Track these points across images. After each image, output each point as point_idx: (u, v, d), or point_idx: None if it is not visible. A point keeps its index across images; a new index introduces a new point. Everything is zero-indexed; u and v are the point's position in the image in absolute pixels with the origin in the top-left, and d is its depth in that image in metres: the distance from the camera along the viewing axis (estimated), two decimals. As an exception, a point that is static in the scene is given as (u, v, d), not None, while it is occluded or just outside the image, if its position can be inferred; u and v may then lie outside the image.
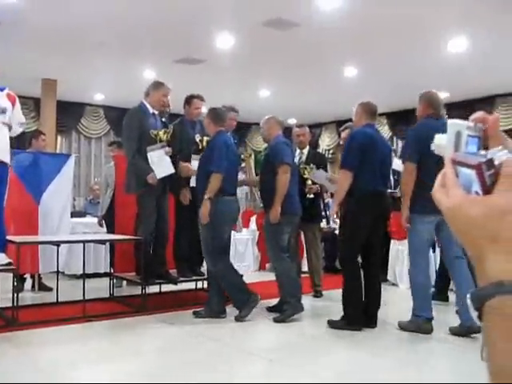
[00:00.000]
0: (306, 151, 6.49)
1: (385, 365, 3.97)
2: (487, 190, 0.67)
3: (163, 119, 5.77)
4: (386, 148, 5.19)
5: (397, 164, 6.31)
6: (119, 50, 8.63)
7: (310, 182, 6.20)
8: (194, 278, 6.02)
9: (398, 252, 7.44)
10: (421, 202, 4.62)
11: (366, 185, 4.85)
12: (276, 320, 5.15)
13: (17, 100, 5.08)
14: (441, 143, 0.75)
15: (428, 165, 4.50)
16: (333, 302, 5.99)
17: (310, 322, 5.33)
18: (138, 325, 5.02)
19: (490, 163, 0.67)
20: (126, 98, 9.57)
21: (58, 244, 5.45)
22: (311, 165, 6.21)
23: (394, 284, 7.38)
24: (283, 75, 10.13)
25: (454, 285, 5.01)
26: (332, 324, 5.01)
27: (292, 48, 8.38)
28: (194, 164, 5.60)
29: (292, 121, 13.68)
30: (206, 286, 6.36)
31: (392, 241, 7.55)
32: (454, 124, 0.74)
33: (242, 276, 5.44)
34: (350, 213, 4.94)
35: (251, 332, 4.93)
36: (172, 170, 5.53)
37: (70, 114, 12.89)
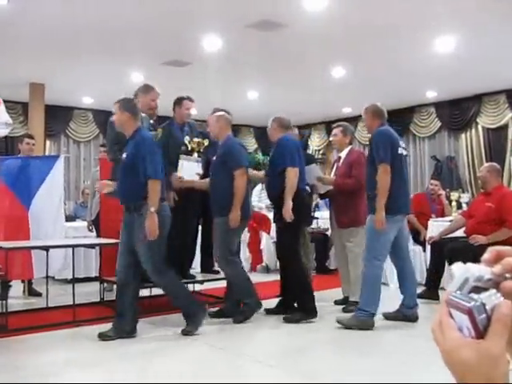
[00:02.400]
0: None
1: (375, 365, 3.97)
2: (480, 333, 0.68)
3: (151, 121, 5.73)
4: None
5: None
6: (107, 53, 8.60)
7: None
8: (184, 280, 5.97)
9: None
10: (391, 202, 4.85)
11: None
12: (235, 321, 5.13)
13: (1, 103, 5.04)
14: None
15: (396, 166, 4.93)
16: (324, 302, 5.99)
17: (302, 323, 5.31)
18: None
19: (481, 308, 0.68)
20: (113, 102, 9.54)
21: (46, 249, 5.41)
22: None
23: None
24: (271, 76, 10.14)
25: (400, 274, 5.33)
26: (289, 319, 5.18)
27: (279, 49, 8.38)
28: (182, 164, 5.58)
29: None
30: (197, 288, 6.37)
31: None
32: (466, 269, 0.74)
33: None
34: None
35: (244, 335, 4.91)
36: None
37: (58, 117, 12.84)
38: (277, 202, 5.37)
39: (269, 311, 5.57)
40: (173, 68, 9.39)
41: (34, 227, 6.21)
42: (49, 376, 3.70)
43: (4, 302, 4.94)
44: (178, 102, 5.95)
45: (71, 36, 7.73)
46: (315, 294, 6.37)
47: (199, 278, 6.10)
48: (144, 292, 5.94)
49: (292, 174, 5.21)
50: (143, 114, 5.56)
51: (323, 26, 7.27)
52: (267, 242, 8.64)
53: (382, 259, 5.03)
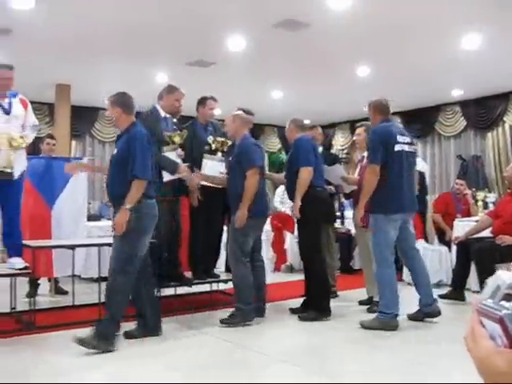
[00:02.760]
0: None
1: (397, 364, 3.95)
2: None
3: (174, 120, 5.76)
4: None
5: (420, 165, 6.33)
6: (132, 54, 8.66)
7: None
8: (209, 280, 6.01)
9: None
10: (387, 202, 4.93)
11: None
12: (222, 322, 5.05)
13: (29, 104, 5.11)
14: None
15: (394, 165, 4.93)
16: (348, 302, 5.98)
17: (325, 322, 5.29)
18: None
19: None
20: (138, 102, 9.56)
21: (73, 248, 5.47)
22: (324, 166, 6.17)
23: (409, 284, 7.31)
24: (295, 76, 10.11)
25: (412, 273, 5.32)
26: (304, 318, 5.24)
27: (303, 49, 8.36)
28: (206, 164, 5.61)
29: (306, 121, 13.66)
30: (221, 287, 6.39)
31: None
32: (497, 276, 0.74)
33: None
34: None
35: (265, 333, 4.92)
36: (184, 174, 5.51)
37: (83, 118, 12.96)
38: (292, 198, 5.44)
39: (293, 311, 5.57)
40: (197, 68, 9.42)
41: (55, 227, 6.30)
42: (74, 372, 3.75)
43: (32, 299, 5.00)
44: (202, 101, 5.98)
45: (97, 38, 7.81)
46: (339, 294, 6.41)
47: (223, 277, 6.11)
48: (168, 291, 6.00)
49: (304, 173, 5.30)
50: (167, 115, 5.62)
51: (348, 24, 7.24)
52: (291, 241, 8.65)
53: (389, 258, 5.00)
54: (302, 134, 5.65)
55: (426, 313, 5.17)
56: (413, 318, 5.20)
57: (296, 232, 7.46)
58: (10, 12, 6.78)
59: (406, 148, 5.07)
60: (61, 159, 6.80)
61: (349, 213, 7.95)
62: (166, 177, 5.43)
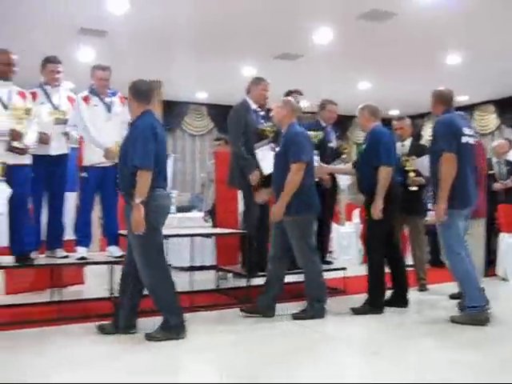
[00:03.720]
0: (407, 143, 6.38)
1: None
2: None
3: (262, 113, 5.86)
4: None
5: None
6: (220, 49, 8.86)
7: (412, 174, 6.08)
8: (297, 270, 6.07)
9: (509, 246, 7.16)
10: (460, 196, 4.74)
11: None
12: (295, 317, 4.99)
13: (126, 101, 5.34)
14: None
15: (461, 158, 4.69)
16: (438, 295, 5.90)
17: (414, 316, 5.25)
18: (242, 315, 5.16)
19: None
20: (228, 96, 9.80)
21: (166, 237, 5.68)
22: (413, 156, 6.09)
23: (503, 279, 7.12)
24: (383, 66, 10.00)
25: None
26: (356, 311, 5.17)
27: (390, 39, 8.26)
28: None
29: (394, 112, 13.47)
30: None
31: (501, 234, 7.29)
32: None
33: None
34: None
35: (353, 324, 4.94)
36: None
37: (174, 112, 13.37)
38: (368, 195, 5.23)
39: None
40: (283, 61, 9.51)
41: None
42: (169, 353, 3.95)
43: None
44: (288, 96, 6.03)
45: (186, 35, 8.05)
46: (429, 287, 6.32)
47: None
48: (257, 281, 6.12)
49: (385, 174, 5.07)
50: (257, 108, 5.73)
51: (435, 13, 7.11)
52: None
53: (461, 251, 4.80)
54: (377, 122, 5.40)
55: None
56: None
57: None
58: (106, 15, 7.13)
59: (471, 141, 4.90)
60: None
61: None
62: (266, 170, 5.55)
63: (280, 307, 5.24)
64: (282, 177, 4.93)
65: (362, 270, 5.57)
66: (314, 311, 5.00)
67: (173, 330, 4.28)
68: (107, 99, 5.29)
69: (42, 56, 5.27)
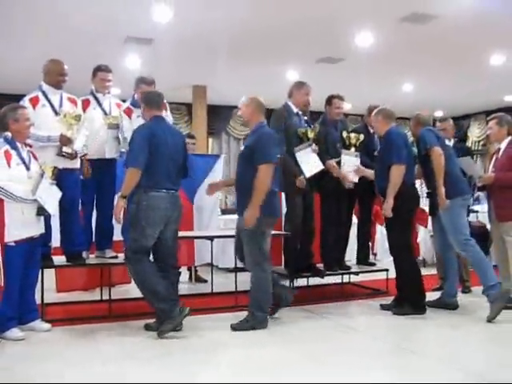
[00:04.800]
0: (450, 144, 6.34)
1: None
2: None
3: (305, 117, 5.94)
4: None
5: None
6: (263, 53, 8.97)
7: (456, 175, 6.05)
8: (341, 271, 6.14)
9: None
10: (454, 186, 5.23)
11: None
12: (233, 327, 4.68)
13: (166, 104, 5.41)
14: None
15: (448, 155, 5.33)
16: (481, 297, 5.83)
17: (456, 317, 5.23)
18: (286, 315, 5.24)
19: None
20: (271, 99, 9.86)
21: (211, 238, 5.82)
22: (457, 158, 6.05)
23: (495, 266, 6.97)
24: (426, 68, 9.94)
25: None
26: (397, 312, 5.16)
27: (432, 40, 8.23)
28: (345, 159, 5.77)
29: (438, 113, 13.35)
30: (352, 280, 6.50)
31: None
32: None
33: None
34: None
35: (396, 325, 4.96)
36: (321, 167, 5.64)
37: (219, 116, 13.57)
38: (384, 197, 5.21)
39: (383, 307, 5.49)
40: (326, 65, 9.57)
41: (197, 219, 6.75)
42: (215, 351, 4.08)
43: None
44: (329, 101, 6.08)
45: (229, 41, 8.19)
46: (473, 289, 6.27)
47: (355, 269, 6.21)
48: (300, 282, 6.18)
49: (396, 172, 5.08)
50: (299, 111, 5.80)
51: (477, 13, 7.06)
52: (425, 235, 8.51)
53: (471, 239, 5.20)
54: (392, 125, 5.41)
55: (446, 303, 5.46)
56: (432, 305, 5.41)
57: (430, 225, 7.37)
58: (151, 23, 7.34)
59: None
60: (200, 156, 7.25)
61: (483, 206, 7.69)
62: (308, 173, 5.63)
63: (317, 308, 5.29)
64: (244, 177, 4.73)
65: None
66: (256, 321, 4.70)
67: (171, 315, 4.39)
68: None
69: (88, 64, 5.45)
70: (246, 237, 4.78)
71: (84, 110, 5.23)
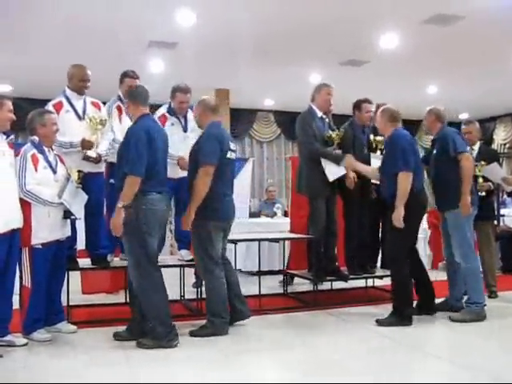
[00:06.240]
0: (476, 147, 6.27)
1: None
2: None
3: (327, 120, 5.92)
4: None
5: None
6: (286, 56, 8.97)
7: (480, 179, 5.99)
8: (365, 275, 6.11)
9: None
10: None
11: None
12: (192, 334, 4.58)
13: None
14: None
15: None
16: (508, 303, 5.79)
17: (480, 323, 5.17)
18: (310, 319, 5.25)
19: None
20: (294, 102, 9.90)
21: (235, 242, 5.83)
22: (481, 162, 6.00)
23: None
24: (451, 70, 9.86)
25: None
26: (381, 322, 4.98)
27: (458, 42, 8.15)
28: (374, 162, 5.72)
29: (464, 116, 13.23)
30: (376, 284, 6.46)
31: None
32: None
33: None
34: None
35: (418, 330, 4.90)
36: (343, 172, 5.65)
37: (242, 120, 13.59)
38: (389, 201, 5.02)
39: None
40: (350, 67, 9.54)
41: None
42: (236, 354, 4.08)
43: (198, 289, 5.41)
44: (357, 105, 6.01)
45: (253, 42, 8.17)
46: (500, 294, 6.20)
47: (379, 273, 6.18)
48: (325, 286, 6.17)
49: (404, 181, 4.84)
50: (323, 115, 5.80)
51: (504, 14, 6.97)
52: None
53: (474, 251, 5.34)
54: (398, 126, 5.14)
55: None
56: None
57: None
58: (175, 27, 7.39)
59: None
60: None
61: (510, 210, 7.63)
62: (331, 176, 5.62)
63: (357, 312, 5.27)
64: (192, 179, 4.63)
65: (431, 275, 5.51)
66: (215, 328, 4.62)
67: (162, 339, 4.20)
68: (182, 119, 5.45)
69: (113, 69, 5.49)
70: (194, 243, 4.74)
71: (119, 117, 5.27)
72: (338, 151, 5.66)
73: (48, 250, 4.43)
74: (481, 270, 5.25)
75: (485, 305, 5.17)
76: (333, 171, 5.62)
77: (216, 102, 4.93)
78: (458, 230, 5.20)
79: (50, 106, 4.89)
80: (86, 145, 4.84)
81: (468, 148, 5.40)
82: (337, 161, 5.62)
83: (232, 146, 4.85)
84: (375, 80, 9.97)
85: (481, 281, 5.27)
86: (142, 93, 4.48)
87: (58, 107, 4.91)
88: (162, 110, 5.50)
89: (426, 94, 11.62)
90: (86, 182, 4.78)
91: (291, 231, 6.95)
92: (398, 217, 4.83)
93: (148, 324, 4.26)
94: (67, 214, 4.57)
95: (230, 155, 4.75)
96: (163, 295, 4.32)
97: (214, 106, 4.87)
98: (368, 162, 5.75)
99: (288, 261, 7.08)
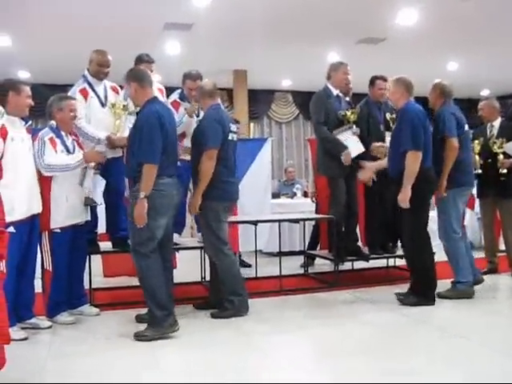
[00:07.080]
0: (496, 124, 6.17)
1: None
2: None
3: (347, 98, 5.88)
4: None
5: None
6: (304, 36, 8.89)
7: (501, 156, 5.91)
8: (386, 255, 6.08)
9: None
10: (460, 177, 5.08)
11: None
12: (213, 316, 4.61)
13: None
14: None
15: (464, 141, 5.17)
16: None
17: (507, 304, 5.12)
18: (331, 299, 5.25)
19: None
20: (312, 82, 9.79)
21: (255, 223, 5.82)
22: (500, 139, 5.90)
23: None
24: (472, 46, 9.69)
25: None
26: (403, 301, 4.93)
27: (479, 16, 8.00)
28: (389, 140, 5.66)
29: (485, 92, 13.05)
30: (398, 263, 6.42)
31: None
32: None
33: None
34: None
35: (441, 310, 4.86)
36: (362, 149, 5.61)
37: (260, 101, 13.54)
38: (397, 180, 4.85)
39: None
40: (367, 45, 9.43)
41: (242, 203, 6.73)
42: (259, 335, 4.09)
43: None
44: (372, 82, 5.99)
45: (270, 23, 8.12)
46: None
47: (400, 252, 6.12)
48: (345, 266, 6.14)
49: (413, 161, 4.70)
50: (340, 93, 5.75)
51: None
52: (471, 218, 8.32)
53: (459, 232, 5.18)
54: (410, 99, 4.98)
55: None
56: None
57: (477, 208, 7.22)
58: (191, 8, 7.34)
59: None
60: (247, 140, 7.28)
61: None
62: (354, 152, 5.58)
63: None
64: (195, 162, 4.64)
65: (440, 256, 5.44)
66: (235, 308, 4.62)
67: (162, 324, 4.07)
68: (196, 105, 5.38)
69: (129, 52, 5.45)
70: (203, 226, 4.76)
71: None
72: (356, 129, 5.61)
73: (67, 234, 4.46)
74: (463, 249, 5.18)
75: (471, 282, 5.16)
76: (350, 150, 5.57)
77: (212, 86, 4.82)
78: (443, 210, 5.20)
79: (76, 93, 4.87)
80: (111, 143, 4.82)
81: (466, 130, 5.29)
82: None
83: (233, 127, 4.81)
84: (394, 57, 9.87)
85: (463, 259, 5.16)
86: (146, 74, 4.34)
87: (85, 93, 4.91)
88: (174, 96, 5.46)
89: (447, 70, 11.45)
90: (106, 166, 4.81)
91: (318, 212, 6.93)
92: (405, 197, 4.72)
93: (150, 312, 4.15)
94: (88, 201, 4.60)
95: (231, 137, 4.72)
96: (160, 279, 4.15)
97: (210, 90, 4.77)
98: (383, 140, 5.72)
99: (313, 242, 7.14)
